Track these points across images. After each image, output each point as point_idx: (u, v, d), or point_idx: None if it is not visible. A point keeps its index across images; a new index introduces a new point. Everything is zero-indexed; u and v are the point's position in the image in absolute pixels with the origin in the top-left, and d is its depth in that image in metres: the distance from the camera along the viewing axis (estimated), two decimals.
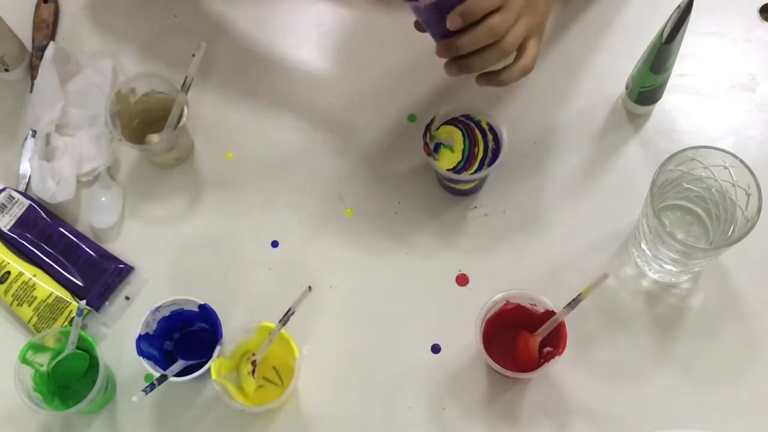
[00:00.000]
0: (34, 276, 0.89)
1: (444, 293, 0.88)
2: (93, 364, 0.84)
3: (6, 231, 0.90)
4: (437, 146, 0.86)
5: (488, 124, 0.86)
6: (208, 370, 0.79)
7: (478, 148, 0.86)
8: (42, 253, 0.90)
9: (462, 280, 0.88)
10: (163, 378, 0.79)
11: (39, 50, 0.98)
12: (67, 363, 0.83)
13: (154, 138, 0.92)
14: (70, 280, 0.89)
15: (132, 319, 0.88)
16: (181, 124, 0.89)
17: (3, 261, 0.89)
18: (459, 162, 0.86)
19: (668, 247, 0.78)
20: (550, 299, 0.79)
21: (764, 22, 0.97)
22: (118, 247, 0.91)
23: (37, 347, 0.82)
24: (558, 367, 0.79)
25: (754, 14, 0.98)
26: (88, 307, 0.87)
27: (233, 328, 0.82)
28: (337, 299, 0.88)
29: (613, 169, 0.92)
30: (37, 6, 1.01)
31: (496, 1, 0.75)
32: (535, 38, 0.81)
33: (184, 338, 0.87)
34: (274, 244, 0.91)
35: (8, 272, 0.88)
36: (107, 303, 0.90)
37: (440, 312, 0.87)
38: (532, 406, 0.84)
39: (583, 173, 0.92)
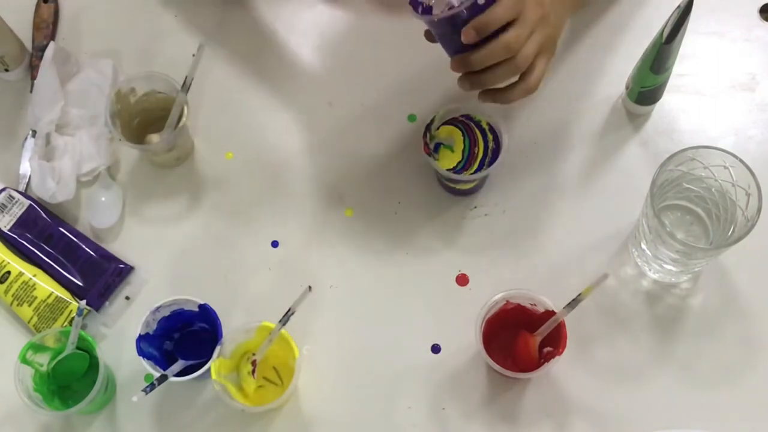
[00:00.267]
0: (34, 276, 0.89)
1: (444, 293, 0.88)
2: (93, 364, 0.84)
3: (6, 231, 0.90)
4: (437, 146, 0.86)
5: (488, 124, 0.86)
6: (208, 370, 0.79)
7: (478, 148, 0.86)
8: (42, 253, 0.90)
9: (462, 280, 0.88)
10: (163, 378, 0.79)
11: (39, 50, 0.98)
12: (67, 363, 0.83)
13: (154, 138, 0.92)
14: (70, 280, 0.89)
15: (132, 319, 0.88)
16: (181, 124, 0.89)
17: (3, 261, 0.89)
18: (459, 162, 0.86)
19: (668, 247, 0.78)
20: (550, 299, 0.79)
21: (764, 22, 0.97)
22: (118, 247, 0.92)
23: (37, 347, 0.82)
24: (558, 367, 0.79)
25: (754, 14, 0.97)
26: (88, 307, 0.87)
27: (233, 328, 0.82)
28: (337, 299, 0.88)
29: (613, 169, 0.91)
30: (37, 6, 1.01)
31: (511, 14, 0.74)
32: (545, 56, 0.80)
33: (184, 338, 0.87)
34: (274, 244, 0.91)
35: (8, 272, 0.88)
36: (107, 303, 0.90)
37: (440, 312, 0.87)
38: (532, 406, 0.84)
39: (583, 173, 0.92)
